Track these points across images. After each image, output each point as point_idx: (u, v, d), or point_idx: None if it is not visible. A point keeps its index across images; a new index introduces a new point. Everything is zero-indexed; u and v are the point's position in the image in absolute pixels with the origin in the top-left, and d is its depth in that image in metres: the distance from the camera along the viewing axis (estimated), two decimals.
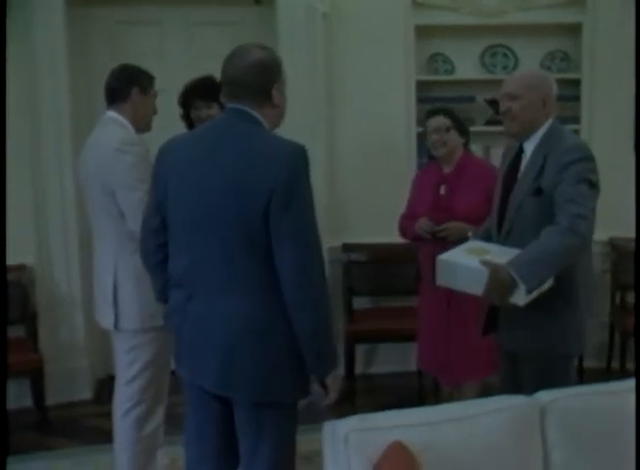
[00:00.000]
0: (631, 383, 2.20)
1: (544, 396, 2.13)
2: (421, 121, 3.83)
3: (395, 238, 3.67)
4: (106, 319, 2.91)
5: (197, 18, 4.53)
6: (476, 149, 4.54)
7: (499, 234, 2.68)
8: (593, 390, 2.21)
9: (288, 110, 2.28)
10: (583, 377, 4.17)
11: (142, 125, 2.96)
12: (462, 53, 4.67)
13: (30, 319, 4.13)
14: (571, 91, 4.51)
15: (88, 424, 4.05)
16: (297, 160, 2.09)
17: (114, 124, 2.89)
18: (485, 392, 3.19)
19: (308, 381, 2.24)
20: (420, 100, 4.55)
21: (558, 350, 2.58)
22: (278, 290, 2.11)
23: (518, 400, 2.12)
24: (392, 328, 4.20)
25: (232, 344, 2.13)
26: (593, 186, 2.48)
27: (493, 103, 4.25)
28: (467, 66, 4.69)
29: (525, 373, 2.64)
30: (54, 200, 4.23)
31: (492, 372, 3.14)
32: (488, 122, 4.62)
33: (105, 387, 4.32)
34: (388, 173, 4.42)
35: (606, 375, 4.38)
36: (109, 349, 3.08)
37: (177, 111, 3.39)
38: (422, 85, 4.59)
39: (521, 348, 2.64)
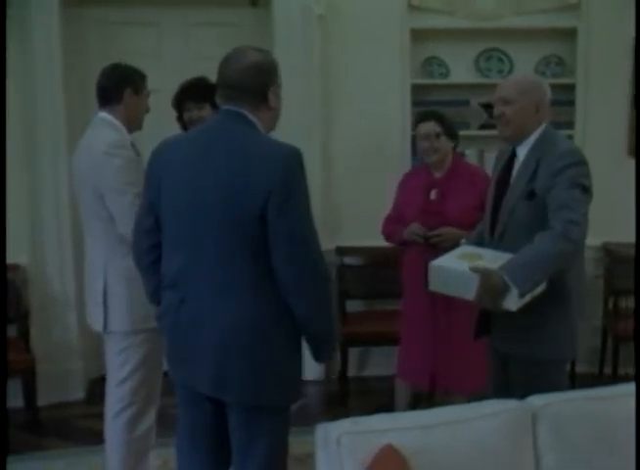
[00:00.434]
0: (623, 388, 2.22)
1: (536, 400, 2.13)
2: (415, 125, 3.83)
3: None
4: (96, 322, 2.90)
5: (193, 19, 4.54)
6: (470, 153, 4.56)
7: (492, 238, 2.69)
8: (585, 395, 2.21)
9: (283, 111, 2.28)
10: (575, 382, 4.17)
11: (134, 125, 2.95)
12: (457, 57, 4.67)
13: (23, 319, 4.12)
14: (565, 96, 4.51)
15: (80, 425, 4.04)
16: (291, 160, 2.09)
17: (105, 126, 2.87)
18: (477, 396, 3.18)
19: (301, 384, 2.24)
20: (415, 103, 4.55)
21: (550, 354, 2.58)
22: (273, 292, 2.11)
23: (510, 405, 2.12)
24: (386, 331, 4.18)
25: (226, 346, 2.13)
26: (586, 191, 2.49)
27: (488, 107, 4.26)
28: (462, 69, 4.69)
29: (516, 378, 2.64)
30: (48, 200, 4.22)
31: (481, 385, 3.08)
32: (483, 126, 4.62)
33: (97, 387, 4.28)
34: (383, 177, 4.40)
35: (598, 380, 4.39)
36: (101, 349, 3.07)
37: (173, 112, 3.38)
38: (417, 88, 4.59)
39: (512, 351, 2.65)
